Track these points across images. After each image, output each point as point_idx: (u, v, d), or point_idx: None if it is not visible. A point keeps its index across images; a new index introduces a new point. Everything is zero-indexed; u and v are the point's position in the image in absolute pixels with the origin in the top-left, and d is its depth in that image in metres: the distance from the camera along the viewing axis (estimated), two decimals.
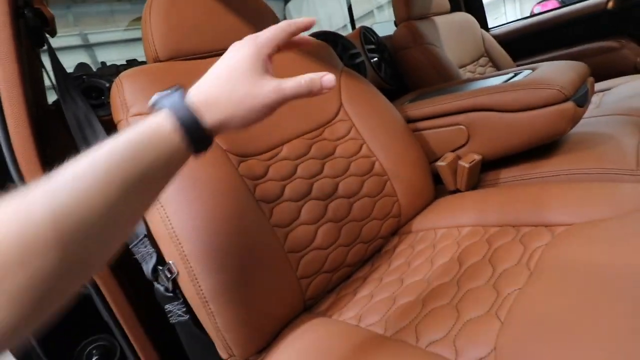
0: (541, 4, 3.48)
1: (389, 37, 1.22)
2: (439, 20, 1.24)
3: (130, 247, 0.50)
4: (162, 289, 0.48)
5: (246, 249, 0.47)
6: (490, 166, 0.75)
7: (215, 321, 0.44)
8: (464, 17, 1.35)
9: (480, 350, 0.33)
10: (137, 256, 0.50)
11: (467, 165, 0.68)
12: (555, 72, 0.67)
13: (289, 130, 0.64)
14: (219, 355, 0.47)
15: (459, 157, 0.72)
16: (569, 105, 0.62)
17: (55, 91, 0.55)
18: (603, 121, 0.75)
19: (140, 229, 0.49)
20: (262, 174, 0.57)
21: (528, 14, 1.78)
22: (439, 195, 0.75)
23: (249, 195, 0.52)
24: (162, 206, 0.45)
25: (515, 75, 0.77)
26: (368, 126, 0.71)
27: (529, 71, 0.76)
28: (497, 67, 1.33)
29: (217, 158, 0.51)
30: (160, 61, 0.60)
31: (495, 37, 1.42)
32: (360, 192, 0.65)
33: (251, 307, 0.46)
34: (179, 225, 0.45)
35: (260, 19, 0.71)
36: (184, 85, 0.55)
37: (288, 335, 0.47)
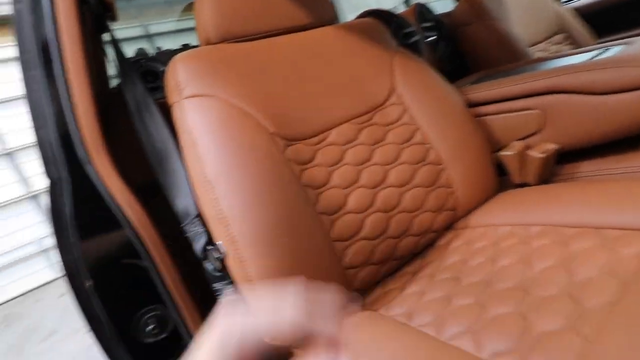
0: None
1: (447, 14, 1.11)
2: None
3: (182, 225, 0.52)
4: (210, 268, 0.49)
5: (292, 235, 0.46)
6: (566, 158, 0.65)
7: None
8: None
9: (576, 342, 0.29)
10: (189, 234, 0.51)
11: (540, 156, 0.60)
12: None
13: (338, 114, 0.61)
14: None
15: (528, 147, 0.63)
16: None
17: (117, 76, 0.58)
18: None
19: (192, 209, 0.50)
20: (309, 159, 0.55)
21: None
22: (502, 188, 0.68)
23: (294, 180, 0.50)
24: (212, 187, 0.45)
25: (603, 52, 0.66)
26: (424, 111, 0.65)
27: (621, 47, 0.64)
28: (577, 45, 1.16)
29: (263, 141, 0.50)
30: (212, 43, 0.60)
31: (575, 10, 1.24)
32: (413, 182, 0.60)
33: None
34: (228, 208, 0.45)
35: (314, 3, 0.68)
36: (237, 67, 0.54)
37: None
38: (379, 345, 0.38)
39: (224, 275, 0.48)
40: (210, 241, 0.49)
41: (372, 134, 0.62)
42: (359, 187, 0.56)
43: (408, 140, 0.63)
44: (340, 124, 0.60)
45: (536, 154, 0.60)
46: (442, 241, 0.61)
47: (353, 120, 0.62)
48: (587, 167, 0.61)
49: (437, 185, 0.62)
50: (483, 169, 0.66)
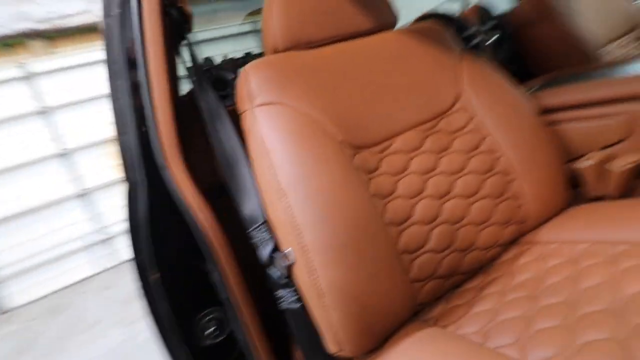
0: None
1: (509, 14, 1.05)
2: None
3: (248, 231, 0.53)
4: (276, 275, 0.50)
5: (362, 244, 0.46)
6: None
7: (329, 314, 0.44)
8: None
9: None
10: (254, 240, 0.52)
11: (624, 168, 0.55)
12: None
13: (402, 121, 0.60)
14: (326, 348, 0.48)
15: (609, 157, 0.59)
16: None
17: (191, 82, 0.61)
18: None
19: (259, 215, 0.51)
20: (375, 167, 0.55)
21: None
22: (573, 202, 0.63)
23: (364, 189, 0.50)
24: (286, 195, 0.46)
25: None
26: (492, 117, 0.62)
27: None
28: None
29: (334, 150, 0.50)
30: (279, 51, 0.61)
31: None
32: (480, 192, 0.58)
33: (366, 304, 0.44)
34: (300, 215, 0.45)
35: (373, 3, 0.67)
36: (305, 75, 0.55)
37: (401, 341, 0.45)
38: None
39: (289, 282, 0.49)
40: (276, 248, 0.50)
41: (438, 142, 0.60)
42: (425, 197, 0.55)
43: (475, 148, 0.61)
44: (405, 131, 0.59)
45: (620, 165, 0.55)
46: (508, 256, 0.59)
47: (418, 128, 0.60)
48: None
49: (505, 196, 0.59)
50: (555, 181, 0.62)
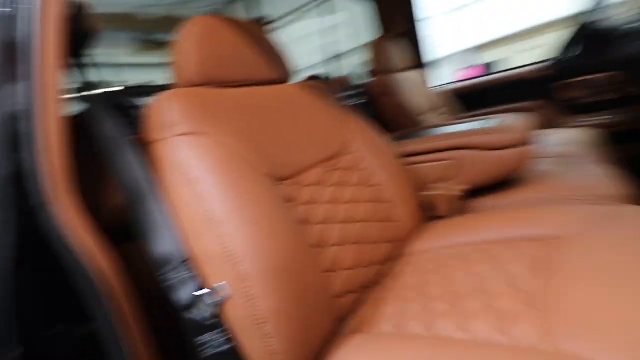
0: (463, 70, 4.21)
1: (366, 85, 1.38)
2: (407, 75, 1.44)
3: (160, 274, 0.48)
4: (200, 316, 0.46)
5: (295, 268, 0.49)
6: (471, 195, 0.87)
7: (270, 342, 0.44)
8: (421, 74, 1.59)
9: (533, 328, 0.40)
10: (168, 284, 0.47)
11: (457, 194, 0.79)
12: (517, 121, 0.85)
13: (309, 158, 0.69)
14: None
15: (448, 187, 0.83)
16: (528, 146, 0.79)
17: (84, 105, 0.54)
18: (547, 161, 0.95)
19: (177, 253, 0.47)
20: (294, 198, 0.60)
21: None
22: (427, 221, 0.84)
23: (290, 217, 0.54)
24: (219, 225, 0.46)
25: (487, 122, 0.95)
26: (375, 159, 0.79)
27: (496, 119, 0.94)
28: (449, 115, 1.57)
29: (262, 181, 0.54)
30: (194, 85, 0.62)
31: (450, 90, 1.69)
32: (375, 217, 0.71)
33: (304, 324, 0.46)
34: (237, 245, 0.45)
35: (274, 58, 0.78)
36: (226, 110, 0.57)
37: (336, 352, 0.48)
38: (392, 356, 0.44)
39: (218, 322, 0.45)
40: (201, 287, 0.46)
41: (339, 177, 0.71)
42: (337, 223, 0.63)
43: (366, 182, 0.75)
44: (312, 167, 0.68)
45: (457, 192, 0.79)
46: (398, 268, 0.72)
47: (321, 165, 0.70)
48: (486, 202, 0.84)
49: (391, 220, 0.74)
50: (416, 206, 0.82)
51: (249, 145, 0.57)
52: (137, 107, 0.57)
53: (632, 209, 0.60)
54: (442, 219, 0.84)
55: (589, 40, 0.98)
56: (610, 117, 1.43)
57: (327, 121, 0.78)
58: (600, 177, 0.78)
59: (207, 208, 0.47)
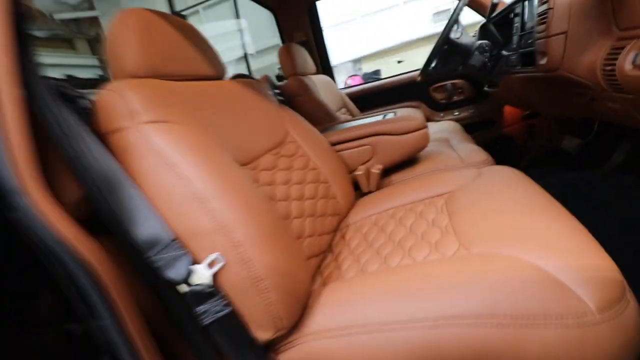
0: (351, 77, 4.78)
1: (283, 86, 1.49)
2: (314, 78, 1.61)
3: (148, 256, 0.49)
4: (198, 288, 0.49)
5: (279, 232, 0.56)
6: (386, 173, 1.08)
7: (268, 296, 0.50)
8: (328, 78, 1.79)
9: (453, 245, 0.57)
10: (159, 264, 0.49)
11: (377, 172, 0.97)
12: (414, 112, 1.09)
13: (260, 147, 0.76)
14: (259, 341, 0.51)
15: (368, 168, 1.01)
16: (427, 130, 1.03)
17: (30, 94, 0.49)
18: (433, 143, 1.23)
19: (164, 234, 0.49)
20: (256, 180, 0.67)
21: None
22: (357, 197, 1.01)
23: (261, 193, 0.61)
24: (207, 201, 0.50)
25: (386, 115, 1.17)
26: (310, 147, 0.90)
27: (392, 113, 1.17)
28: (351, 113, 1.81)
29: (234, 162, 0.59)
30: (138, 77, 0.62)
31: (348, 94, 1.95)
32: (318, 195, 0.82)
33: (294, 278, 0.54)
34: (228, 216, 0.50)
35: (210, 55, 0.82)
36: (180, 100, 0.60)
37: (318, 300, 0.57)
38: (364, 288, 0.55)
39: (214, 290, 0.49)
40: (193, 262, 0.49)
41: (285, 162, 0.80)
42: (293, 200, 0.72)
43: (306, 167, 0.86)
44: (264, 154, 0.75)
45: (375, 171, 0.97)
46: (339, 235, 0.85)
47: (270, 152, 0.78)
48: (398, 176, 1.05)
49: (329, 197, 0.87)
50: (349, 185, 0.97)
51: (211, 132, 0.62)
52: (84, 97, 0.54)
53: (492, 168, 0.87)
54: (368, 194, 1.01)
55: (445, 54, 1.30)
56: (463, 111, 1.91)
57: (268, 114, 0.85)
58: (468, 151, 1.07)
59: (194, 188, 0.50)
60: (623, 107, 0.77)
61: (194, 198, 0.50)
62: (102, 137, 0.53)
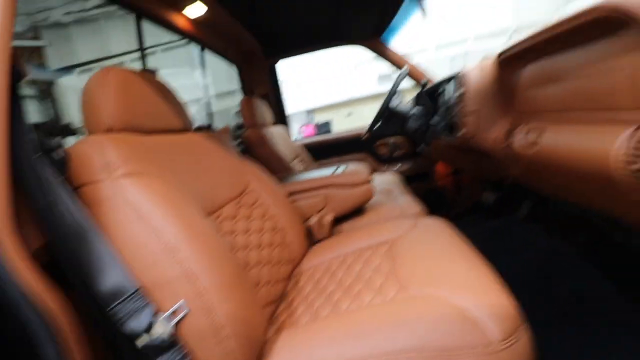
0: (304, 126, 5.07)
1: (243, 136, 1.57)
2: (271, 129, 1.73)
3: (111, 307, 0.50)
4: (159, 339, 0.51)
5: (240, 281, 0.61)
6: (336, 222, 1.18)
7: (228, 345, 0.53)
8: (284, 130, 1.93)
9: (394, 288, 0.66)
10: (121, 315, 0.51)
11: (329, 221, 1.07)
12: (361, 167, 1.24)
13: (222, 197, 0.82)
14: None
15: (321, 217, 1.10)
16: (372, 184, 1.17)
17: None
18: (377, 195, 1.38)
19: (129, 284, 0.51)
20: (219, 229, 0.72)
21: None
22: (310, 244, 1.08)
23: (224, 242, 0.66)
24: (177, 251, 0.54)
25: (338, 168, 1.30)
26: (269, 196, 0.98)
27: (344, 166, 1.31)
28: (305, 163, 1.94)
29: (200, 212, 0.64)
30: (114, 131, 0.66)
31: (303, 145, 2.09)
32: (275, 243, 0.89)
33: (253, 325, 0.58)
34: (194, 265, 0.54)
35: (178, 109, 0.88)
36: (154, 153, 0.65)
37: (274, 347, 0.61)
38: (316, 334, 0.61)
39: (174, 341, 0.51)
40: (156, 312, 0.52)
41: (245, 212, 0.86)
42: (252, 249, 0.78)
43: (264, 216, 0.92)
44: (226, 204, 0.81)
45: (326, 220, 1.07)
46: (293, 282, 0.91)
47: (232, 202, 0.84)
48: (347, 225, 1.15)
49: (285, 244, 0.93)
50: (303, 232, 1.04)
51: (179, 184, 0.67)
52: (61, 147, 0.56)
53: (424, 219, 1.01)
54: (320, 241, 1.09)
55: (387, 115, 1.52)
56: (402, 165, 2.15)
57: (230, 165, 0.92)
58: (406, 202, 1.23)
59: (164, 238, 0.54)
60: (520, 173, 0.98)
61: (164, 248, 0.54)
62: (76, 189, 0.55)
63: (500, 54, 0.91)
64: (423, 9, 1.43)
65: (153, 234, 0.54)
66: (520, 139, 0.88)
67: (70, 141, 0.66)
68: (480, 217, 1.76)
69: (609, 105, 0.57)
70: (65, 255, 0.50)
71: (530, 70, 0.85)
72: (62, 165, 0.56)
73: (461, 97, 1.11)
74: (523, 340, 0.53)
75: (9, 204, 0.45)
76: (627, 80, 0.53)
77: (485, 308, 0.55)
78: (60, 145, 0.59)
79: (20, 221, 0.51)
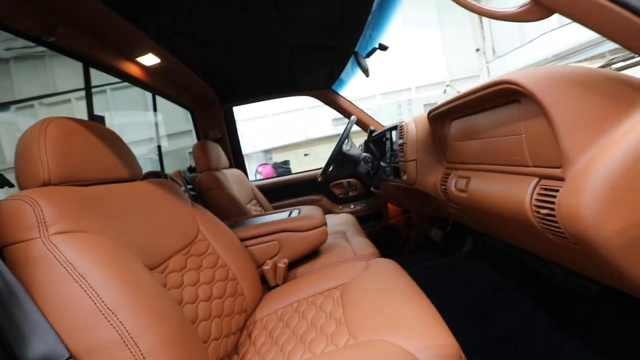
0: (262, 165, 5.09)
1: (195, 180, 1.54)
2: (226, 172, 1.72)
3: None
4: None
5: (185, 339, 0.58)
6: (291, 266, 1.17)
7: None
8: (240, 172, 1.93)
9: (345, 335, 0.67)
10: None
11: (283, 266, 1.06)
12: (315, 210, 1.27)
13: (169, 248, 0.79)
14: None
15: (275, 263, 1.09)
16: (326, 227, 1.20)
17: None
18: (331, 236, 1.41)
19: (60, 350, 0.47)
20: (164, 284, 0.69)
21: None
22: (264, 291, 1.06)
23: (169, 297, 0.63)
24: (115, 312, 0.51)
25: (291, 213, 1.32)
26: (220, 244, 0.96)
27: (297, 210, 1.33)
28: (261, 205, 1.93)
29: (143, 268, 0.61)
30: (52, 185, 0.63)
31: (258, 186, 2.09)
32: (226, 294, 0.86)
33: None
34: (135, 327, 0.51)
35: (127, 157, 0.86)
36: (93, 207, 0.63)
37: None
38: None
39: None
40: None
41: (195, 262, 0.83)
42: (201, 302, 0.75)
43: (215, 265, 0.90)
44: (173, 255, 0.78)
45: (281, 265, 1.07)
46: (246, 333, 0.87)
47: (180, 252, 0.81)
48: (301, 269, 1.15)
49: (237, 294, 0.91)
50: (257, 279, 1.02)
51: (122, 238, 0.64)
52: None
53: (377, 260, 1.05)
54: (274, 287, 1.07)
55: (340, 158, 1.60)
56: (356, 205, 2.23)
57: (179, 213, 0.90)
58: (359, 244, 1.27)
59: (102, 298, 0.51)
60: (458, 213, 1.08)
61: (101, 309, 0.50)
62: (3, 247, 0.51)
63: (430, 112, 1.04)
64: (364, 70, 1.59)
65: (89, 294, 0.51)
66: (452, 185, 0.98)
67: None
68: (429, 254, 1.86)
69: (516, 160, 0.68)
70: None
71: (454, 127, 0.98)
72: None
73: (402, 146, 1.22)
74: None
75: None
76: (524, 141, 0.64)
77: (430, 350, 0.58)
78: None
79: None
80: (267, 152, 7.23)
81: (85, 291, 0.51)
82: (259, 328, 0.86)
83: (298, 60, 1.64)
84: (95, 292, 0.51)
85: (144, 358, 0.50)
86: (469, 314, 1.16)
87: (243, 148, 2.24)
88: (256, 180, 2.31)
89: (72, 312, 0.49)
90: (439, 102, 0.98)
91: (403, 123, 1.22)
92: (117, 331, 0.50)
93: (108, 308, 0.51)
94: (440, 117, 1.02)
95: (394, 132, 1.47)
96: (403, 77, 7.98)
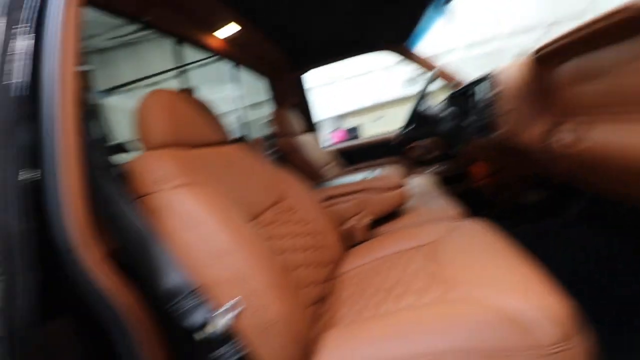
0: (335, 131, 5.12)
1: (277, 144, 1.64)
2: (302, 137, 1.78)
3: (171, 304, 0.55)
4: (214, 334, 0.55)
5: (285, 282, 0.64)
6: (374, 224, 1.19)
7: (280, 340, 0.56)
8: (314, 136, 1.97)
9: (438, 290, 0.66)
10: (180, 312, 0.55)
11: (366, 224, 1.08)
12: (394, 171, 1.24)
13: (262, 203, 0.86)
14: None
15: (360, 219, 1.11)
16: (406, 187, 1.17)
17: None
18: (414, 197, 1.37)
19: (187, 284, 0.56)
20: (260, 234, 0.75)
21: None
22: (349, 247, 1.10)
23: (267, 246, 0.69)
24: (229, 253, 0.58)
25: (372, 172, 1.31)
26: (302, 202, 1.01)
27: (377, 170, 1.32)
28: (337, 168, 1.97)
29: (245, 219, 0.68)
30: (166, 146, 0.72)
31: (337, 150, 2.13)
32: (317, 244, 0.91)
33: (301, 323, 0.61)
34: (244, 268, 0.58)
35: (216, 123, 0.94)
36: (201, 165, 0.70)
37: (319, 346, 0.63)
38: (360, 334, 0.62)
39: (230, 336, 0.55)
40: (212, 309, 0.56)
41: (282, 217, 0.90)
42: (295, 251, 0.80)
43: (304, 220, 0.95)
44: (265, 210, 0.85)
45: (363, 223, 1.08)
46: (337, 284, 0.92)
47: (271, 208, 0.88)
48: (385, 228, 1.15)
49: (326, 246, 0.96)
50: (338, 237, 1.06)
51: (227, 192, 0.71)
52: (115, 166, 0.63)
53: (464, 222, 0.99)
54: (358, 244, 1.10)
55: (418, 119, 1.51)
56: (437, 167, 2.11)
57: (267, 173, 0.97)
58: (444, 205, 1.21)
59: (213, 245, 0.58)
60: (566, 171, 0.94)
61: (214, 253, 0.58)
62: (136, 199, 0.61)
63: (537, 51, 0.89)
64: (448, 14, 1.42)
65: (204, 240, 0.58)
66: (565, 136, 0.85)
67: (123, 158, 0.73)
68: (523, 218, 1.68)
69: None
70: (131, 258, 0.56)
71: (569, 67, 0.82)
72: (121, 180, 0.63)
73: (497, 96, 1.08)
74: (580, 345, 0.51)
75: (85, 213, 0.50)
76: None
77: (537, 311, 0.54)
78: (114, 165, 0.66)
79: (96, 227, 0.57)
80: (339, 118, 7.20)
81: (201, 237, 0.58)
82: (345, 280, 0.90)
83: (371, 15, 1.54)
84: (209, 238, 0.59)
85: (256, 293, 0.57)
86: (585, 278, 1.03)
87: (316, 114, 2.27)
88: (331, 145, 2.33)
89: (193, 254, 0.58)
90: (546, 41, 0.83)
91: (497, 70, 1.08)
92: (230, 270, 0.57)
93: (220, 251, 0.58)
94: (548, 57, 0.87)
95: (482, 84, 1.31)
96: (491, 24, 6.95)
